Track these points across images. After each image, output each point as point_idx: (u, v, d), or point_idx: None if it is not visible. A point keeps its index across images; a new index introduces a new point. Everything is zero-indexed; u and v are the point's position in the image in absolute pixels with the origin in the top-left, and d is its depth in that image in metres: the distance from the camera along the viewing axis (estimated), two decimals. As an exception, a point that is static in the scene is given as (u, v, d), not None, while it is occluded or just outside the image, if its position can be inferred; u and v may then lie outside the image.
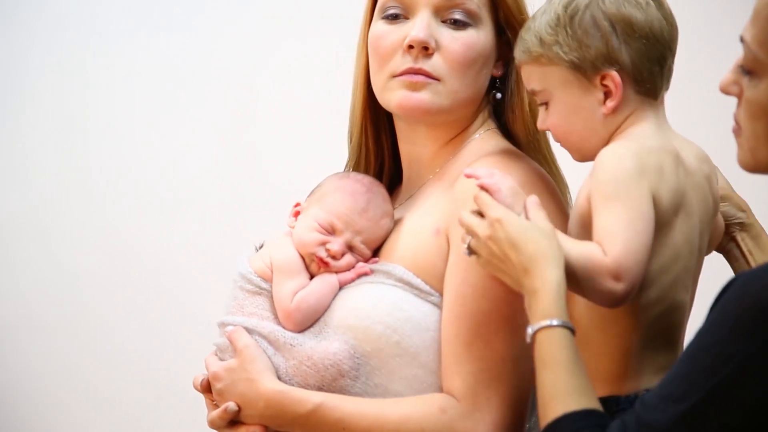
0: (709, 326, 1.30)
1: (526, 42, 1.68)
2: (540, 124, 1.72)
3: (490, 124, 1.84)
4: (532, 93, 1.71)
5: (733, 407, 1.26)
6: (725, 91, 1.45)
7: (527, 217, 1.57)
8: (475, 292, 1.65)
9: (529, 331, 1.49)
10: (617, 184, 1.56)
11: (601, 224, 1.55)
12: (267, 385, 1.69)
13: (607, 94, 1.65)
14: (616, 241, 1.53)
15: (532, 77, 1.69)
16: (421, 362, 1.68)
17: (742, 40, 1.41)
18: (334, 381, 1.69)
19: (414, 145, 1.85)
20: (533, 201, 1.59)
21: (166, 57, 3.33)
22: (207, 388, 1.78)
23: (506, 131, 1.84)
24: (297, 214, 1.83)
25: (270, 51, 3.28)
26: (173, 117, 3.33)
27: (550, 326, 1.48)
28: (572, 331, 1.48)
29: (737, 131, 1.45)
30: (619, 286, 1.53)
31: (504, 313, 1.63)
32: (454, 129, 1.82)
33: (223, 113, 3.31)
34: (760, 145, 1.39)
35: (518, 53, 1.70)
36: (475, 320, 1.65)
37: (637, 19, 1.64)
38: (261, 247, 1.91)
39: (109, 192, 3.34)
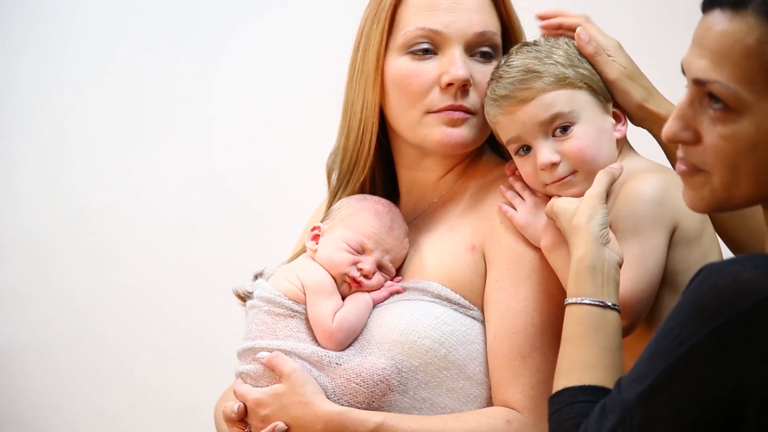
0: (673, 311, 1.36)
1: (547, 69, 1.72)
2: (549, 157, 1.71)
3: (484, 146, 1.91)
4: (554, 118, 1.71)
5: (682, 388, 1.32)
6: (676, 140, 1.44)
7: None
8: (527, 307, 1.71)
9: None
10: (637, 220, 1.66)
11: None
12: (324, 407, 1.69)
13: (616, 120, 1.77)
14: (623, 279, 1.62)
15: (556, 101, 1.71)
16: (468, 374, 1.72)
17: (704, 81, 1.40)
18: (383, 396, 1.70)
19: (420, 171, 1.89)
20: (604, 174, 1.66)
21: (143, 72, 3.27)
22: (242, 417, 1.76)
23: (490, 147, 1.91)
24: (316, 237, 1.84)
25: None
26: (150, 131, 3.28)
27: (569, 304, 1.58)
28: (597, 305, 1.54)
29: (689, 173, 1.45)
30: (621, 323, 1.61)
31: (557, 327, 1.66)
32: (464, 155, 1.87)
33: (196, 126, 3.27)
34: (741, 181, 1.40)
35: (536, 83, 1.71)
36: (529, 334, 1.70)
37: None
38: (260, 275, 1.90)
39: (102, 213, 3.28)
